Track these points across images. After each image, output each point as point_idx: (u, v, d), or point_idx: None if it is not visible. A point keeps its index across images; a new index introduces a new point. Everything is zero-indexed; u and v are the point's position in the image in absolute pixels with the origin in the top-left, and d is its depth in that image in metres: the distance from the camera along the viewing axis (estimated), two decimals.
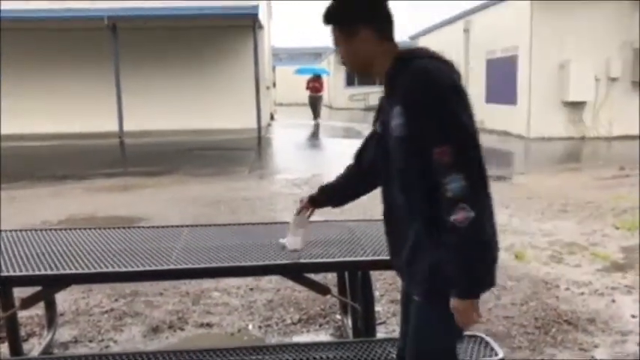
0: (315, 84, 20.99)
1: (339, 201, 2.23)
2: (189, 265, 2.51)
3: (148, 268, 2.48)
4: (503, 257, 4.83)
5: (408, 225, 1.69)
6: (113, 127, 14.29)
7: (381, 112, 1.79)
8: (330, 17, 1.81)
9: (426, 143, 1.57)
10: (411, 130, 1.60)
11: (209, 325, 3.61)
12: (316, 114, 20.47)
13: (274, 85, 29.01)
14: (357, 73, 1.92)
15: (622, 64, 13.53)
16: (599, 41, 13.42)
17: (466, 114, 1.62)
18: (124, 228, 3.19)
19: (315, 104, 20.70)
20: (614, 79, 13.61)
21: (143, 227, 3.32)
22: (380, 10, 1.78)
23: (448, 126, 1.57)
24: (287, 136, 16.77)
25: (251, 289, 4.14)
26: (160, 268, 2.48)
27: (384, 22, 1.77)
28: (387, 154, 1.72)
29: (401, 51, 1.76)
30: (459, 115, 1.59)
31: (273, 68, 29.39)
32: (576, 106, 13.67)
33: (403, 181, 1.68)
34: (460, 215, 1.52)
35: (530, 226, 5.86)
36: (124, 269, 2.47)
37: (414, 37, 25.55)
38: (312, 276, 2.87)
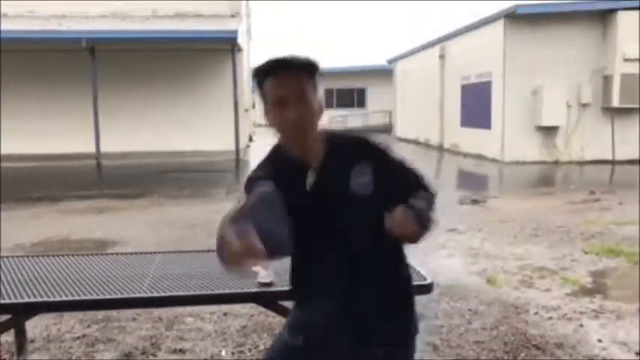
0: None
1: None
2: (162, 294, 2.53)
3: (119, 296, 2.49)
4: (476, 281, 4.91)
5: (382, 279, 1.74)
6: (90, 148, 14.21)
7: (315, 182, 1.70)
8: (309, 65, 1.68)
9: (398, 194, 1.69)
10: (378, 186, 1.69)
11: (182, 351, 3.60)
12: None
13: (253, 106, 29.11)
14: (294, 143, 1.72)
15: (592, 90, 13.89)
16: (570, 68, 13.78)
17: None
18: (96, 255, 3.20)
19: None
20: (585, 105, 13.96)
21: (116, 254, 3.33)
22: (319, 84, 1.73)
23: (413, 173, 1.80)
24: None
25: (225, 314, 4.14)
26: (131, 296, 2.49)
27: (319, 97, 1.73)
28: (344, 216, 1.70)
29: (328, 130, 1.78)
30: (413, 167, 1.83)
31: (253, 90, 29.52)
32: (549, 130, 13.96)
33: (367, 240, 1.71)
34: (431, 190, 1.79)
35: (503, 250, 5.96)
36: (95, 297, 2.48)
37: (391, 61, 25.93)
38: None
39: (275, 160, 1.80)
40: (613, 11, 13.46)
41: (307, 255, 1.72)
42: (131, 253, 3.40)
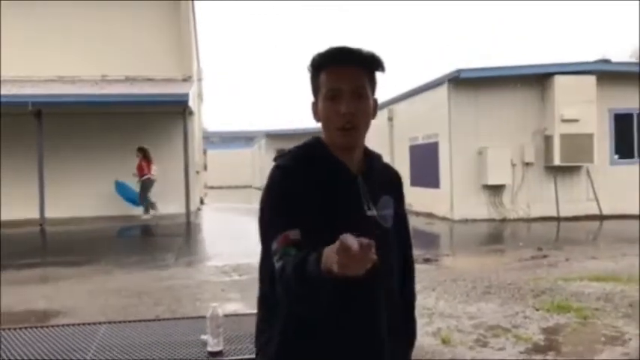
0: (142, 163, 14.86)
1: None
2: None
3: None
4: (432, 342, 4.88)
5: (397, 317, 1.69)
6: (35, 214, 13.75)
7: (369, 196, 1.55)
8: (375, 61, 1.55)
9: (406, 240, 1.73)
10: (396, 224, 1.64)
11: None
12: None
13: (205, 168, 28.99)
14: (341, 141, 1.53)
15: (535, 150, 14.43)
16: (513, 129, 14.32)
17: None
18: (38, 327, 3.03)
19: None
20: (528, 164, 14.45)
21: (58, 325, 3.16)
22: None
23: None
24: (216, 221, 16.61)
25: None
26: None
27: None
28: (382, 240, 1.49)
29: None
30: None
31: (205, 152, 29.46)
32: (495, 189, 14.34)
33: (398, 268, 1.68)
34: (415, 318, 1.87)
35: (456, 308, 5.97)
36: None
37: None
38: None
39: (316, 158, 1.55)
40: (550, 75, 14.18)
41: (345, 295, 1.42)
42: (74, 324, 3.23)
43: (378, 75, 1.58)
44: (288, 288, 1.35)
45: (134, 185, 14.88)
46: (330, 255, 1.21)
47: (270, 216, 1.50)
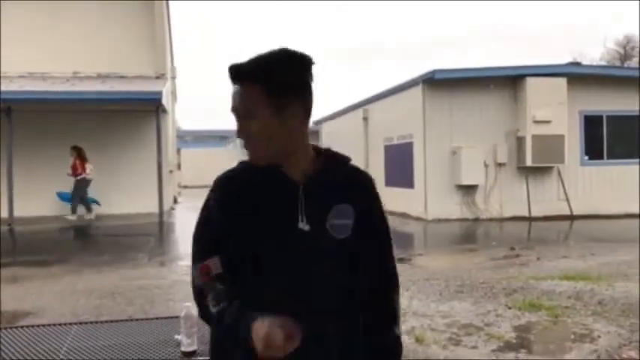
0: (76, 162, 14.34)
1: None
2: None
3: None
4: (406, 341, 4.90)
5: (333, 336, 1.48)
6: (3, 213, 13.48)
7: (306, 206, 1.45)
8: (255, 73, 1.39)
9: (377, 253, 1.57)
10: (359, 235, 1.48)
11: None
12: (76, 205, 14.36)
13: (179, 167, 28.74)
14: (254, 161, 1.45)
15: (507, 150, 14.61)
16: (486, 130, 14.50)
17: None
18: (4, 329, 2.96)
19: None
20: (501, 165, 14.63)
21: (27, 326, 3.10)
22: (312, 81, 1.45)
23: (392, 244, 1.63)
24: (190, 220, 16.37)
25: None
26: None
27: (311, 99, 1.46)
28: (313, 258, 1.44)
29: (319, 146, 1.56)
30: None
31: (178, 150, 29.20)
32: (469, 189, 14.49)
33: (338, 289, 1.48)
34: (396, 334, 1.59)
35: (430, 307, 6.01)
36: None
37: (318, 122, 26.44)
38: None
39: (252, 170, 1.47)
40: (522, 77, 14.38)
41: (281, 293, 1.41)
42: (44, 325, 3.17)
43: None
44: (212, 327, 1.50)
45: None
46: (256, 335, 1.26)
47: (194, 235, 1.56)
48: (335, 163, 1.53)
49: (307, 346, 1.31)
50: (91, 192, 14.71)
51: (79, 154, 14.24)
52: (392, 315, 1.59)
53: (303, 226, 1.43)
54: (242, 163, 1.53)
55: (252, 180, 1.47)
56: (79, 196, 14.31)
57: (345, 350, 1.49)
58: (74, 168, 14.23)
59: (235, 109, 1.43)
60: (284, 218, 1.44)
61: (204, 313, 1.48)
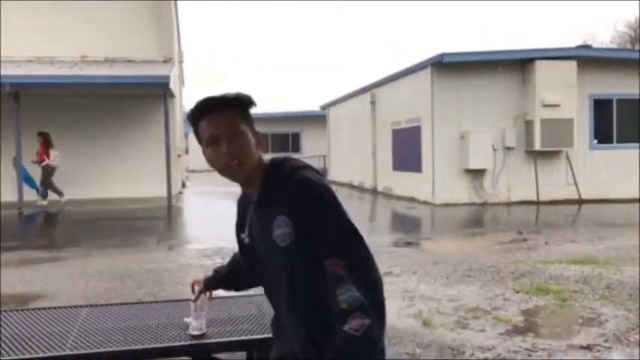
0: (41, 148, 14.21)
1: (233, 286, 2.27)
2: (87, 350, 2.38)
3: (40, 355, 2.33)
4: (413, 324, 4.93)
5: (295, 337, 1.68)
6: (12, 197, 13.58)
7: (252, 222, 1.75)
8: (240, 101, 1.70)
9: (315, 254, 1.56)
10: (297, 241, 1.59)
11: None
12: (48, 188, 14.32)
13: (187, 151, 28.77)
14: (231, 177, 1.72)
15: (516, 134, 14.54)
16: (494, 113, 14.41)
17: (351, 223, 1.64)
18: (16, 310, 2.99)
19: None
20: (509, 149, 14.56)
21: (38, 309, 3.12)
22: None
23: (339, 239, 1.58)
24: (198, 205, 16.54)
25: None
26: (53, 354, 2.33)
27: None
28: (270, 264, 1.70)
29: (273, 159, 1.73)
30: (348, 227, 1.62)
31: (186, 135, 29.24)
32: (477, 173, 14.44)
33: (289, 292, 1.65)
34: (355, 323, 1.46)
35: (437, 291, 6.02)
36: (13, 357, 2.30)
37: (324, 107, 26.37)
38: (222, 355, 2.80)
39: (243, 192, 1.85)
40: (531, 60, 14.25)
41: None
42: (55, 308, 3.20)
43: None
44: None
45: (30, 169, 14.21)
46: None
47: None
48: (276, 178, 1.68)
49: (276, 334, 1.81)
50: (101, 176, 14.77)
51: (45, 140, 14.06)
52: (342, 309, 1.49)
53: (244, 237, 1.81)
54: None
55: (240, 201, 1.88)
56: (48, 181, 14.14)
57: (304, 345, 1.65)
58: (40, 154, 14.09)
59: (218, 135, 1.65)
60: (240, 229, 1.85)
61: None
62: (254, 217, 1.74)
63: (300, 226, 1.59)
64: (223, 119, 1.66)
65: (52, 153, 14.09)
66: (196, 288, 2.35)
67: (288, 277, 1.64)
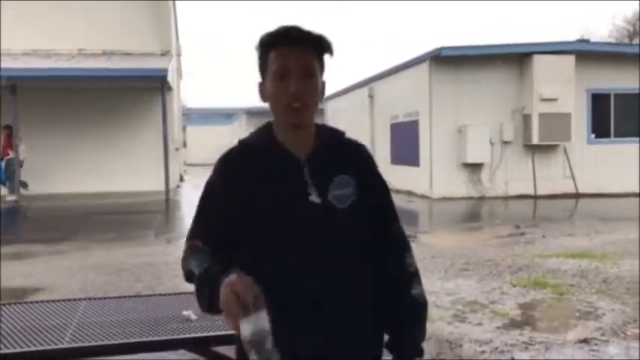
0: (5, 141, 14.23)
1: None
2: (85, 343, 2.39)
3: (38, 347, 2.33)
4: None
5: (354, 307, 1.53)
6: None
7: (319, 179, 1.53)
8: (324, 44, 1.55)
9: (383, 216, 1.62)
10: (359, 201, 1.54)
11: None
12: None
13: (185, 145, 28.76)
14: (290, 120, 1.52)
15: (514, 128, 14.53)
16: (492, 107, 14.40)
17: None
18: (14, 304, 3.00)
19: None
20: (507, 143, 14.56)
21: (37, 302, 3.13)
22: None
23: (393, 204, 1.68)
24: (196, 198, 16.47)
25: None
26: (51, 347, 2.34)
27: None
28: (329, 228, 1.51)
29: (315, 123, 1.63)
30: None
31: (184, 128, 29.20)
32: (474, 167, 14.45)
33: (344, 258, 1.52)
34: (419, 288, 1.61)
35: (435, 284, 6.04)
36: (11, 351, 2.31)
37: (324, 100, 26.31)
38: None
39: (261, 144, 1.57)
40: (529, 54, 14.23)
41: (296, 267, 1.48)
42: (53, 301, 3.21)
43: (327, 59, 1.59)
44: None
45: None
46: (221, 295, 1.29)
47: (197, 209, 1.63)
48: (333, 137, 1.62)
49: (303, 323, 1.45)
50: (99, 169, 14.76)
51: (9, 134, 13.92)
52: (412, 273, 1.61)
53: (315, 199, 1.50)
54: (241, 142, 1.62)
55: (254, 158, 1.54)
56: (12, 175, 13.94)
57: (356, 314, 1.53)
58: (4, 147, 13.98)
59: (290, 70, 1.49)
60: (293, 191, 1.51)
61: (187, 276, 1.55)
62: (295, 176, 1.52)
63: (364, 187, 1.57)
64: (301, 54, 1.50)
65: (20, 147, 13.69)
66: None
67: (344, 240, 1.52)
